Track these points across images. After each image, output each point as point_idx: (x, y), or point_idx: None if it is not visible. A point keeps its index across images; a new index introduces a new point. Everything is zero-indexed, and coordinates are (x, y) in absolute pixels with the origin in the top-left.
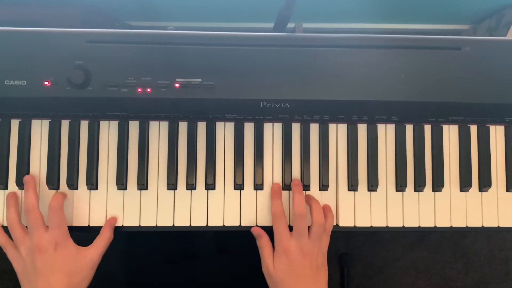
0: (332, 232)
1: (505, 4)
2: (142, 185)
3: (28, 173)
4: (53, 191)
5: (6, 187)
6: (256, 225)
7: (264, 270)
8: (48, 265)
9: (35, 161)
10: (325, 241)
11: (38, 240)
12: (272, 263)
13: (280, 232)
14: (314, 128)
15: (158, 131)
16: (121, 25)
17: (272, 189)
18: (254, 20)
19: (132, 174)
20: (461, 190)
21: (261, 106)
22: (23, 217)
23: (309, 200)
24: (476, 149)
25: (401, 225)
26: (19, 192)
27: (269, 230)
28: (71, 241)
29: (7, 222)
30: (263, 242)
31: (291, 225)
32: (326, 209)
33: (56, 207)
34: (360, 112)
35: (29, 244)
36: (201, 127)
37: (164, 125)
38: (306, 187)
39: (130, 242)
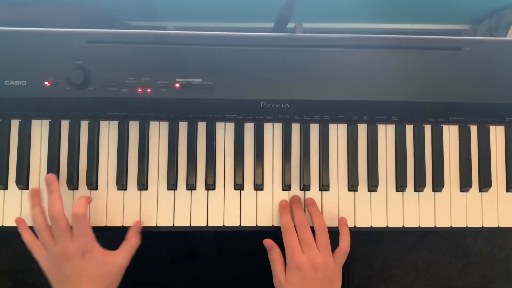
0: (333, 232)
1: (505, 4)
2: (142, 185)
3: (28, 173)
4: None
5: (6, 187)
6: (256, 225)
7: (275, 283)
8: (76, 272)
9: (35, 161)
10: (338, 258)
11: (65, 248)
12: (284, 277)
13: (292, 246)
14: (314, 128)
15: (158, 131)
16: (121, 25)
17: (280, 204)
18: (254, 20)
19: (132, 174)
20: (461, 190)
21: (261, 106)
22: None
23: (308, 206)
24: (476, 149)
25: (401, 225)
26: (18, 190)
27: (271, 231)
28: (97, 247)
29: (34, 224)
30: (274, 255)
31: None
32: (341, 224)
33: (79, 215)
34: (360, 112)
35: (56, 250)
36: (201, 127)
37: (164, 125)
38: (306, 187)
39: None
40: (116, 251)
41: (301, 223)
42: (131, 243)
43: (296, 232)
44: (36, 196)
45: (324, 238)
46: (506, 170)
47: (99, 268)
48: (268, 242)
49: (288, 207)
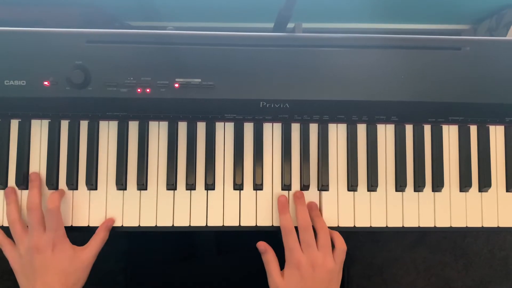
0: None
1: (505, 4)
2: (142, 185)
3: (28, 173)
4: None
5: (5, 187)
6: (256, 225)
7: (271, 284)
8: (46, 265)
9: (34, 161)
10: (338, 256)
11: (37, 240)
12: (279, 278)
13: (292, 246)
14: (314, 128)
15: (158, 131)
16: (121, 25)
17: (279, 201)
18: (254, 20)
19: (131, 174)
20: (461, 190)
21: (261, 106)
22: (23, 214)
23: (310, 211)
24: (476, 149)
25: (401, 225)
26: (18, 190)
27: (270, 231)
28: (68, 242)
29: (7, 218)
30: (269, 257)
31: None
32: (332, 232)
33: (53, 209)
34: (360, 112)
35: (27, 242)
36: (201, 127)
37: (164, 125)
38: (306, 187)
39: (130, 242)
40: (84, 246)
41: (304, 226)
42: (98, 239)
43: (297, 231)
44: (11, 194)
45: (325, 238)
46: (506, 170)
47: (68, 263)
48: (261, 245)
49: (287, 205)
